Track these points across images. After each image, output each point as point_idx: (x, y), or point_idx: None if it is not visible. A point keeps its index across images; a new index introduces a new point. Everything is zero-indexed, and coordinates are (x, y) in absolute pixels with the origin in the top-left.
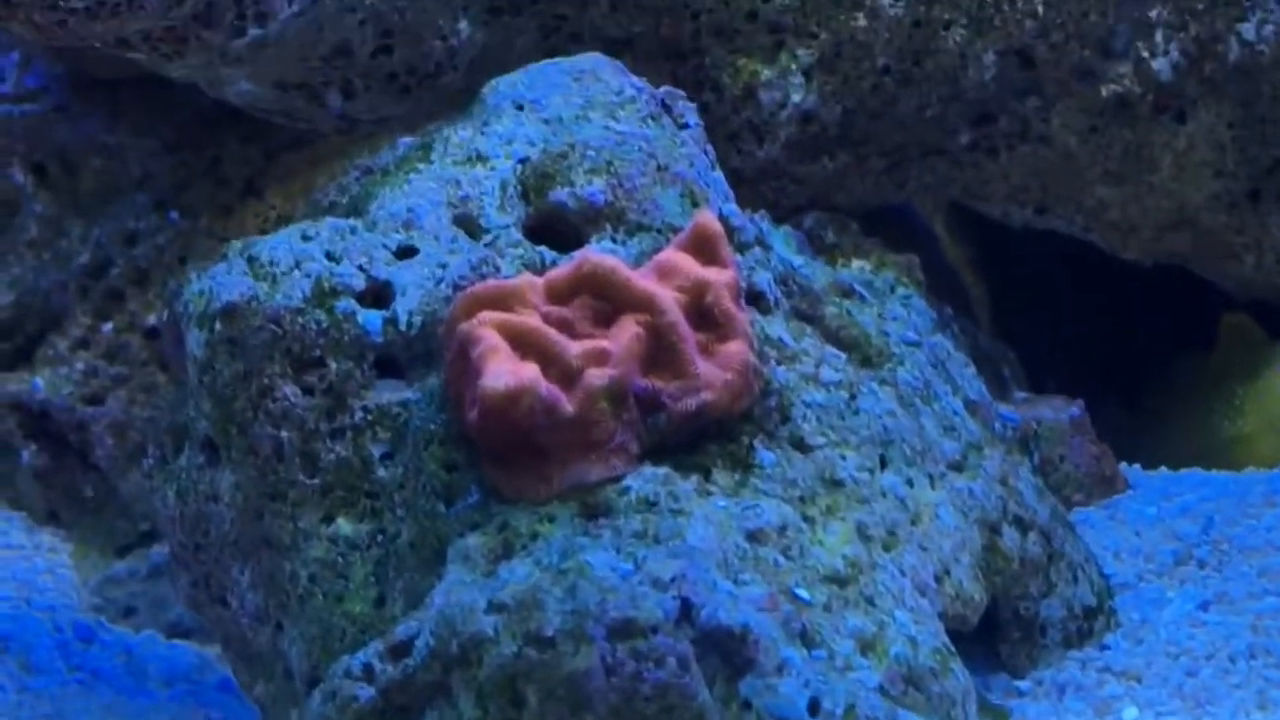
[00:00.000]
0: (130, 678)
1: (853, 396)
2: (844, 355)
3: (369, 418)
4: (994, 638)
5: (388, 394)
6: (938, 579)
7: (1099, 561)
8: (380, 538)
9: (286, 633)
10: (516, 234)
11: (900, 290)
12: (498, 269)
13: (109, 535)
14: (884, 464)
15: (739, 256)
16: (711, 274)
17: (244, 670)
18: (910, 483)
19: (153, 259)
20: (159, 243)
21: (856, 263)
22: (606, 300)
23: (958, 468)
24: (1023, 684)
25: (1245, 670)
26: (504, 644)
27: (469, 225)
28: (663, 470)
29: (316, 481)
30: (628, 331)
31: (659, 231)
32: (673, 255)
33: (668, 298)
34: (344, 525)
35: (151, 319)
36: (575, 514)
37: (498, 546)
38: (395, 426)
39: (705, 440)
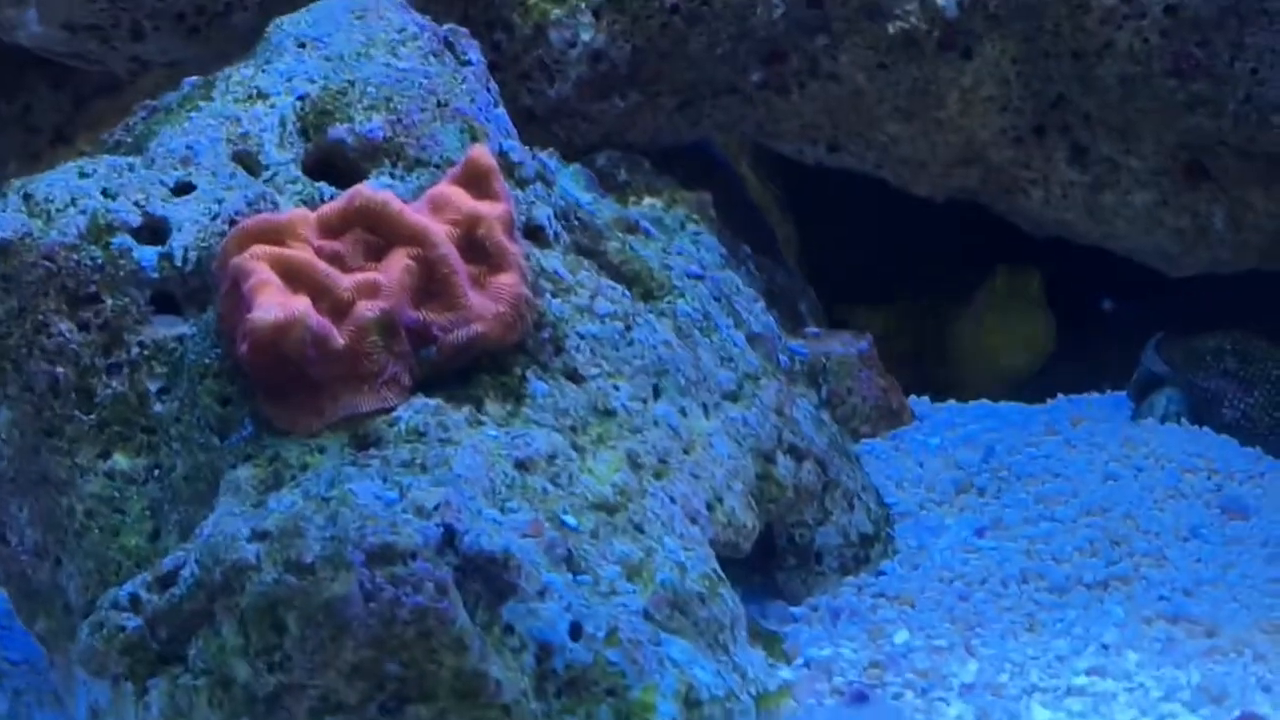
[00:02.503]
0: None
1: (628, 328)
2: (621, 288)
3: (145, 353)
4: (771, 565)
5: (164, 329)
6: (709, 507)
7: (881, 491)
8: (157, 472)
9: (65, 568)
10: (295, 170)
11: (691, 227)
12: (275, 205)
13: None
14: (657, 394)
15: (519, 192)
16: (484, 207)
17: (25, 606)
18: (684, 412)
19: None
20: None
21: (648, 200)
22: (379, 234)
23: (733, 398)
24: (798, 610)
25: (1016, 594)
26: (265, 571)
27: (248, 162)
28: (434, 401)
29: (93, 417)
30: (399, 264)
31: (438, 167)
32: (446, 189)
33: (439, 231)
34: (121, 460)
35: None
36: (345, 445)
37: (268, 478)
38: (171, 361)
39: (478, 371)
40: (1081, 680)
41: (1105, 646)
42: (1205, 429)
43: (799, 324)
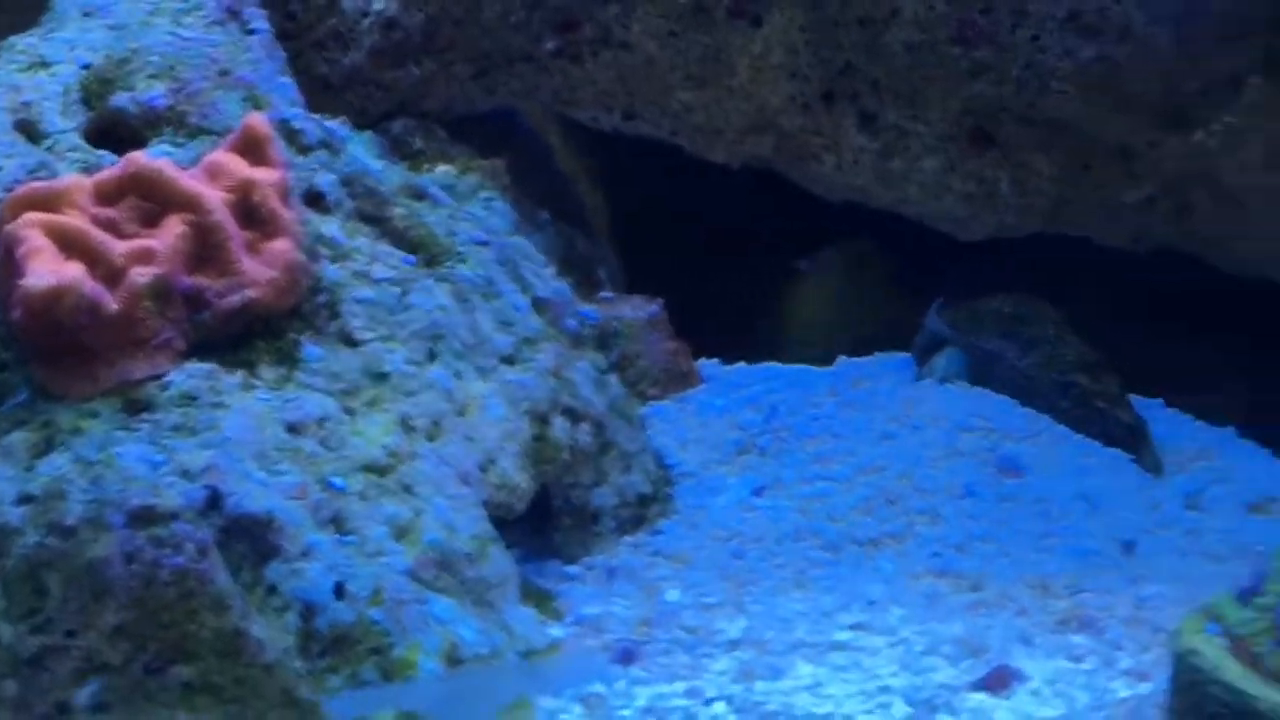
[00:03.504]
0: None
1: (405, 293)
2: (400, 254)
3: None
4: (548, 525)
5: None
6: (482, 468)
7: (664, 452)
8: None
9: None
10: (76, 138)
11: (483, 194)
12: (56, 173)
13: None
14: (433, 357)
15: (301, 159)
16: (259, 174)
17: None
18: (459, 375)
19: None
20: None
21: (443, 167)
22: (154, 200)
23: (510, 361)
24: (574, 569)
25: (790, 552)
26: (29, 534)
27: (29, 130)
28: (207, 366)
29: None
30: (173, 230)
31: (219, 135)
32: (221, 156)
33: (214, 197)
34: None
35: None
36: (118, 409)
37: (40, 442)
38: None
39: (253, 337)
40: (846, 635)
41: (872, 602)
42: (984, 389)
43: (596, 290)
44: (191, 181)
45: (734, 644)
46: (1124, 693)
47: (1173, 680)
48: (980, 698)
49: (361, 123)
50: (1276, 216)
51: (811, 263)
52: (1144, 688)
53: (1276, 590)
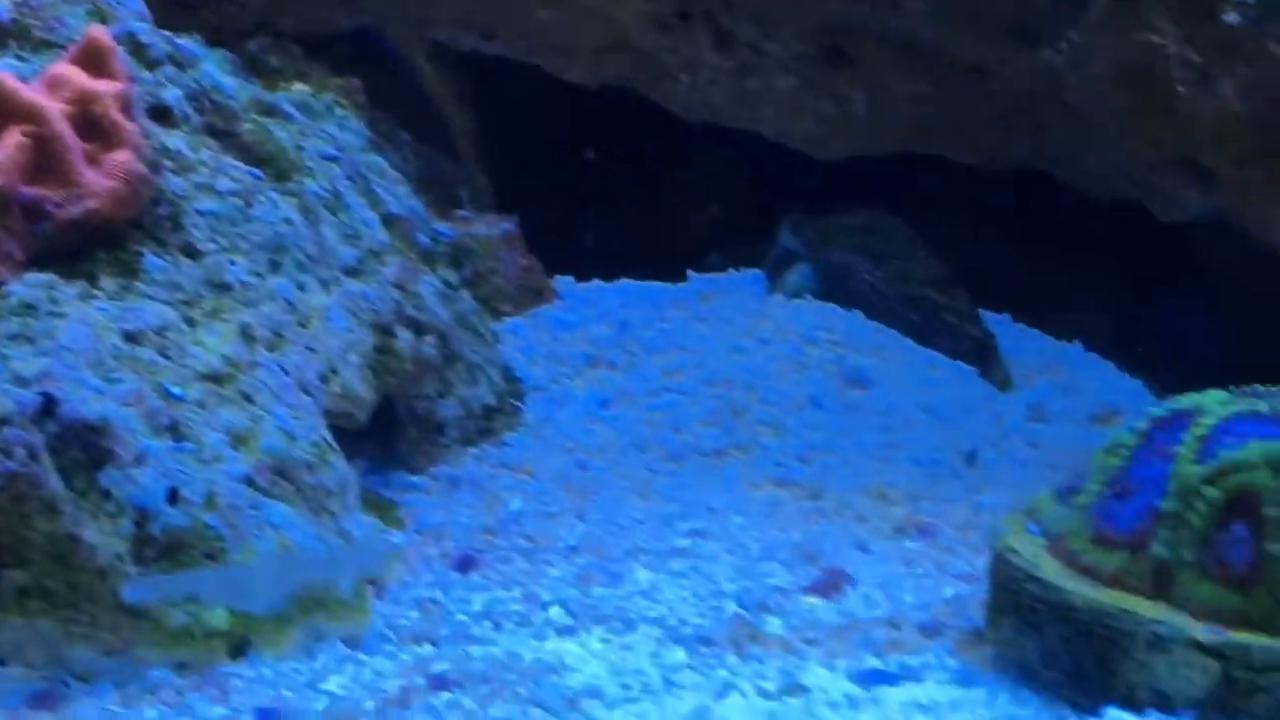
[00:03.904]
0: None
1: (248, 205)
2: (245, 167)
3: None
4: (394, 436)
5: None
6: (324, 378)
7: (515, 366)
8: None
9: None
10: None
11: (339, 112)
12: None
13: None
14: (275, 269)
15: (147, 73)
16: (101, 86)
17: None
18: (302, 287)
19: None
20: None
21: (298, 86)
22: None
23: (354, 273)
24: (419, 479)
25: (634, 462)
26: None
27: None
28: (46, 276)
29: None
30: (12, 141)
31: (64, 48)
32: (62, 68)
33: (54, 108)
34: None
35: None
36: None
37: None
38: None
39: (93, 248)
40: (685, 542)
41: (713, 510)
42: (833, 305)
43: (455, 207)
44: (31, 93)
45: (573, 551)
46: (949, 592)
47: (992, 578)
48: (812, 600)
49: (218, 40)
50: (1122, 134)
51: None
52: (970, 588)
53: (1093, 489)
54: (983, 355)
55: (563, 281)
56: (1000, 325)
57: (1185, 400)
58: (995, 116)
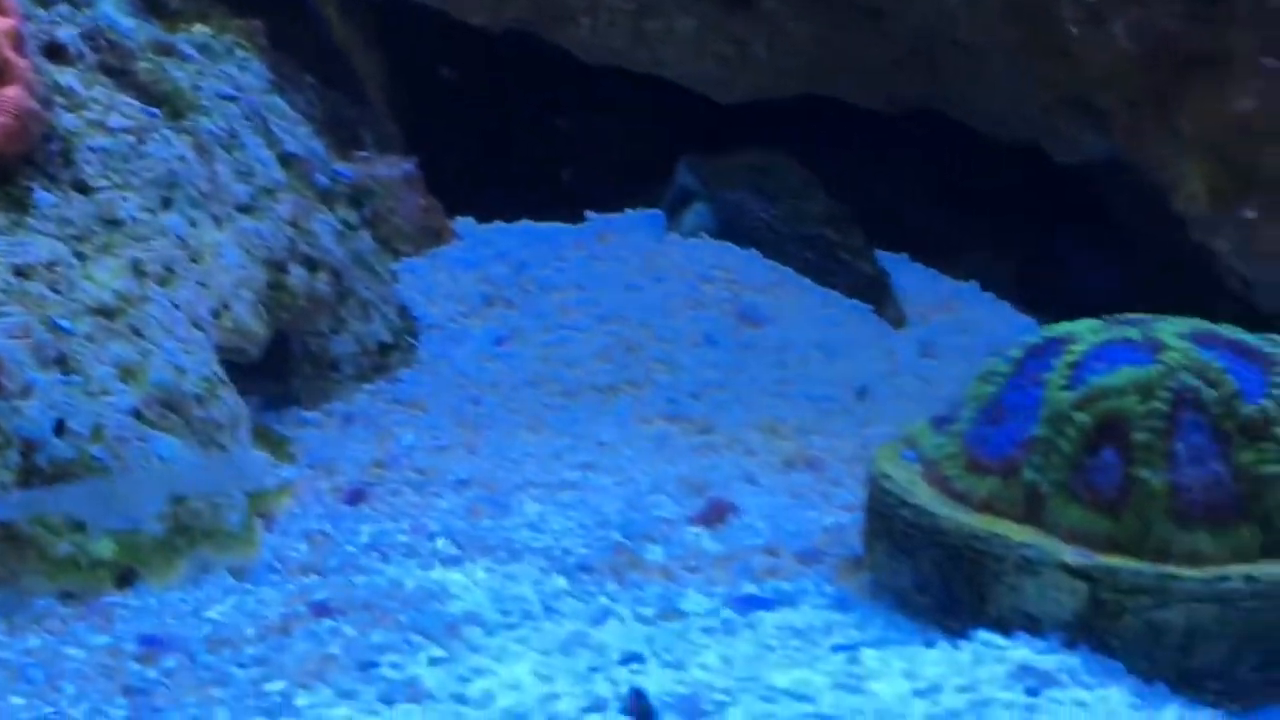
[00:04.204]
0: None
1: (141, 142)
2: (139, 104)
3: None
4: (288, 371)
5: None
6: (215, 314)
7: (413, 305)
8: None
9: None
10: None
11: (239, 53)
12: None
13: None
14: (167, 205)
15: (42, 11)
16: None
17: None
18: (194, 223)
19: None
20: None
21: (199, 27)
22: None
23: (248, 210)
24: (312, 415)
25: (527, 398)
26: None
27: None
28: None
29: None
30: None
31: None
32: None
33: None
34: None
35: None
36: None
37: None
38: None
39: None
40: (574, 475)
41: (603, 444)
42: (730, 243)
43: (356, 148)
44: None
45: (463, 484)
46: (830, 521)
47: (868, 504)
48: (696, 530)
49: None
50: (1015, 74)
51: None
52: (852, 517)
53: (967, 417)
54: (877, 293)
55: (463, 223)
56: (897, 264)
57: (1059, 328)
58: (892, 58)
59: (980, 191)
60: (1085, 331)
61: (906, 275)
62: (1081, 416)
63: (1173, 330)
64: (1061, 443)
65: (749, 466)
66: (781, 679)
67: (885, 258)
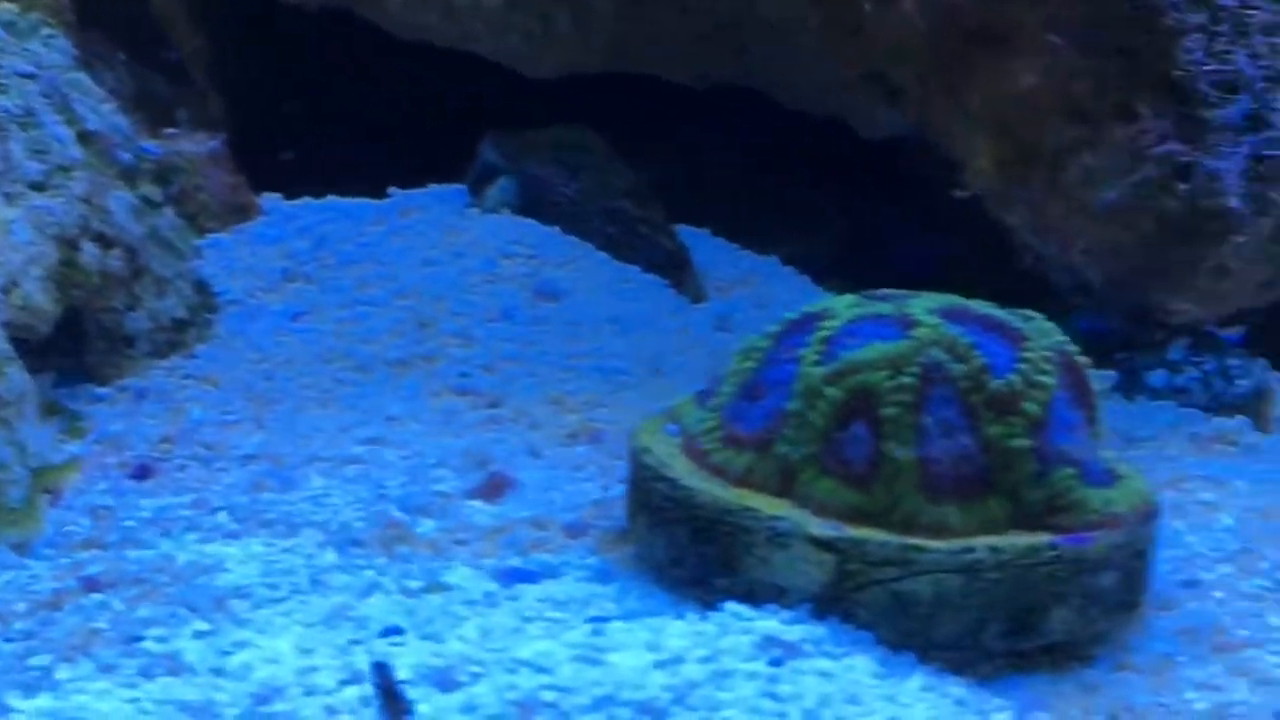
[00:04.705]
0: None
1: None
2: None
3: None
4: (82, 348)
5: None
6: (5, 290)
7: (214, 281)
8: None
9: None
10: None
11: (45, 30)
12: None
13: None
14: None
15: None
16: None
17: None
18: None
19: None
20: None
21: (4, 4)
22: None
23: (40, 188)
24: (105, 390)
25: (319, 373)
26: None
27: None
28: None
29: None
30: None
31: None
32: None
33: None
34: None
35: None
36: None
37: None
38: None
39: None
40: (361, 449)
41: (391, 419)
42: (530, 220)
43: (165, 124)
44: None
45: (250, 458)
46: (602, 494)
47: (630, 477)
48: (474, 504)
49: None
50: (818, 51)
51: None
52: (623, 490)
53: (726, 391)
54: (676, 267)
55: (270, 199)
56: (698, 239)
57: (818, 304)
58: (699, 34)
59: (797, 167)
60: (841, 307)
61: (709, 250)
62: (832, 391)
63: (925, 306)
64: (813, 417)
65: (533, 440)
66: (525, 651)
67: (689, 233)
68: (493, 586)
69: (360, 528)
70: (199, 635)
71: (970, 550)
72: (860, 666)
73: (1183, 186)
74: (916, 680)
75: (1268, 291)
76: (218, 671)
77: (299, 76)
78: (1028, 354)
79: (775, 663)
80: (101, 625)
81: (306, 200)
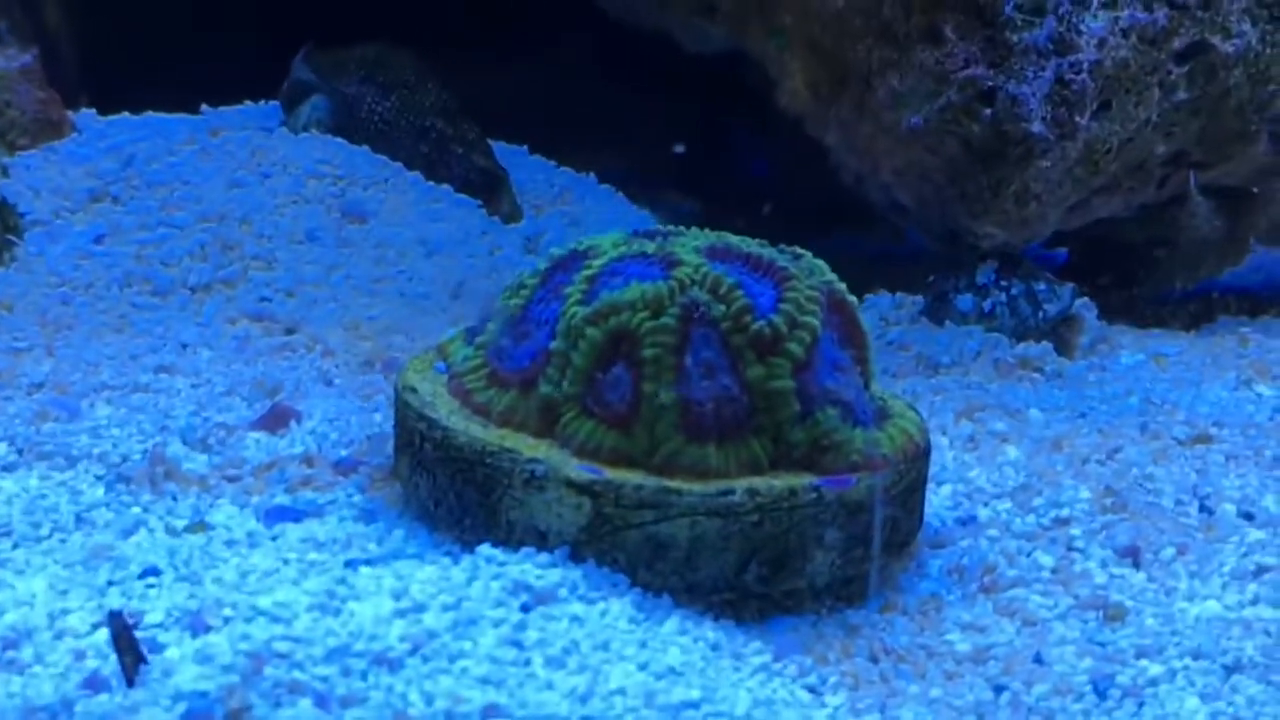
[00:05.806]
0: None
1: None
2: None
3: None
4: None
5: None
6: None
7: (20, 201)
8: None
9: None
10: None
11: None
12: None
13: None
14: None
15: None
16: None
17: None
18: None
19: None
20: None
21: None
22: None
23: None
24: None
25: (117, 298)
26: None
27: None
28: None
29: None
30: None
31: None
32: None
33: None
34: None
35: None
36: None
37: None
38: None
39: None
40: (149, 378)
41: (184, 345)
42: (340, 139)
43: None
44: None
45: (37, 387)
46: (375, 429)
47: (395, 415)
48: (257, 435)
49: None
50: None
51: None
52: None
53: (493, 329)
54: (490, 187)
55: (85, 115)
56: (515, 156)
57: (585, 241)
58: None
59: (631, 81)
60: (607, 245)
61: (527, 168)
62: (593, 331)
63: (690, 245)
64: (575, 357)
65: (327, 368)
66: (265, 600)
67: (506, 151)
68: (256, 526)
69: (138, 460)
70: None
71: (728, 492)
72: (615, 610)
73: (986, 111)
74: (672, 624)
75: (1077, 216)
76: None
77: None
78: (791, 293)
79: (525, 608)
80: None
81: (124, 115)
